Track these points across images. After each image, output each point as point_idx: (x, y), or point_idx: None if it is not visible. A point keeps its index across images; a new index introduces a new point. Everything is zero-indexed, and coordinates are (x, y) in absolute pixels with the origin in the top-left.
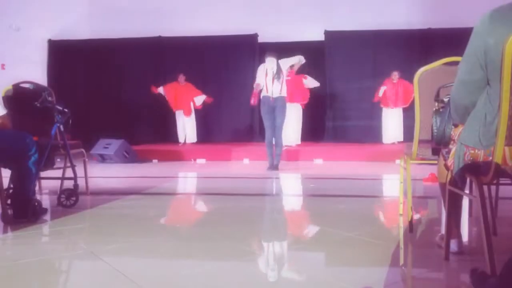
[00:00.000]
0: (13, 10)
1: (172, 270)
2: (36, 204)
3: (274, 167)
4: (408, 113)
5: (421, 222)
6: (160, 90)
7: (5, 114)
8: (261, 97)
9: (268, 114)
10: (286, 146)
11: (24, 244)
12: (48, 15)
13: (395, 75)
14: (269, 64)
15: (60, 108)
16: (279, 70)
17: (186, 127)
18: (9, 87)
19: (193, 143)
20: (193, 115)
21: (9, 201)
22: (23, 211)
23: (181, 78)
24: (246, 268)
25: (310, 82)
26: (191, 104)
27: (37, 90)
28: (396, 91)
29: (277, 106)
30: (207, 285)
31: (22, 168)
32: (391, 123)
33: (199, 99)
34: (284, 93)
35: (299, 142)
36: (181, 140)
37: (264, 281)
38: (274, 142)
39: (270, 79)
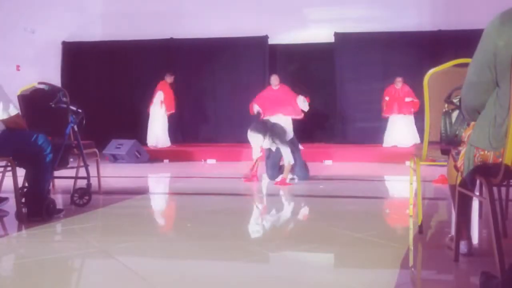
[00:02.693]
0: (28, 13)
1: (183, 269)
2: (50, 203)
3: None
4: (420, 116)
5: (431, 224)
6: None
7: (18, 113)
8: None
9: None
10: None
11: (38, 242)
12: (62, 18)
13: (399, 81)
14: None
15: (74, 108)
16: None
17: (164, 130)
18: (26, 87)
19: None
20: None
21: (23, 200)
22: (38, 209)
23: (169, 78)
24: (255, 268)
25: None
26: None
27: (52, 91)
28: (399, 97)
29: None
30: (218, 285)
31: (37, 167)
32: (399, 129)
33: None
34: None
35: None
36: (153, 143)
37: (273, 281)
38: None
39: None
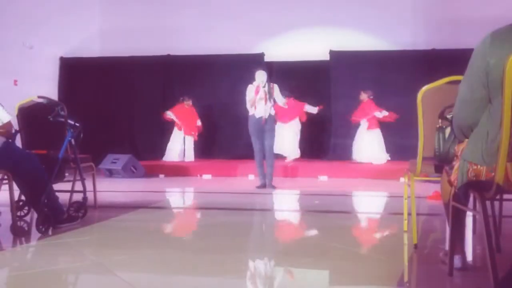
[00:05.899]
0: (26, 29)
1: (179, 283)
2: (47, 215)
3: (268, 185)
4: (391, 131)
5: (426, 239)
6: (170, 115)
7: (9, 120)
8: (249, 115)
9: (257, 133)
10: (286, 159)
11: (33, 255)
12: (60, 34)
13: (364, 94)
14: (259, 77)
15: (72, 122)
16: (270, 89)
17: (186, 144)
18: (24, 100)
19: (193, 160)
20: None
21: (19, 213)
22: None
23: (187, 101)
24: (251, 283)
25: (310, 109)
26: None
27: (50, 104)
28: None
29: (267, 127)
30: None
31: (34, 182)
32: (368, 144)
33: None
34: (273, 112)
35: (298, 156)
36: (172, 157)
37: None
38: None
39: (262, 98)
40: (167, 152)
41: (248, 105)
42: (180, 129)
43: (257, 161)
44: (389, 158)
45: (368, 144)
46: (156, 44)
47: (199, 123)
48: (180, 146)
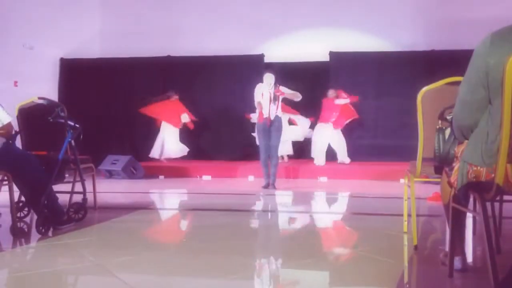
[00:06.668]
0: (26, 30)
1: (179, 284)
2: (47, 217)
3: (271, 185)
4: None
5: (426, 240)
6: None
7: (10, 121)
8: (257, 116)
9: (263, 133)
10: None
11: (33, 256)
12: (60, 35)
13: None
14: (267, 80)
15: (72, 123)
16: (276, 92)
17: (173, 141)
18: (25, 101)
19: (179, 157)
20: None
21: (19, 215)
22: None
23: (172, 95)
24: (251, 284)
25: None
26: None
27: (50, 105)
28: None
29: (273, 127)
30: None
31: (33, 182)
32: (329, 142)
33: (185, 117)
34: (280, 113)
35: (291, 153)
36: (155, 155)
37: None
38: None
39: (267, 99)
40: (165, 152)
41: (255, 103)
42: (159, 125)
43: (262, 160)
44: (350, 160)
45: (334, 144)
46: (156, 45)
47: (186, 117)
48: (172, 143)
